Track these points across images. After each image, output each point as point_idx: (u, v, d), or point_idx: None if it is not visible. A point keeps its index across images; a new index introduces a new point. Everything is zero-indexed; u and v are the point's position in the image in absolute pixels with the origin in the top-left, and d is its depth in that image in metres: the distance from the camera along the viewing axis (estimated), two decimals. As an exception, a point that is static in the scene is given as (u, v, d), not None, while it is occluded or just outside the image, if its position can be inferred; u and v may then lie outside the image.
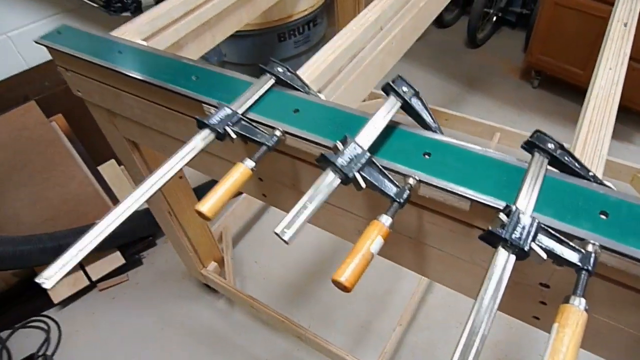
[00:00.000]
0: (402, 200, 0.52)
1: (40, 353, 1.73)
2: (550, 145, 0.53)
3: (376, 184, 0.52)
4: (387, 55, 1.10)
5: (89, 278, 1.87)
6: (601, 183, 0.52)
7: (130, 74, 0.80)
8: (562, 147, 0.54)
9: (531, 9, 2.88)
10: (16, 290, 1.91)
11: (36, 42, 0.96)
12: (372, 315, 1.73)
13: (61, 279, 0.50)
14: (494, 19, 3.04)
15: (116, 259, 1.92)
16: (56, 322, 1.84)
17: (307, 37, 1.93)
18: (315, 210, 0.49)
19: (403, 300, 1.71)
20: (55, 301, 1.81)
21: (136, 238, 1.97)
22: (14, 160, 1.78)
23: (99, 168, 2.13)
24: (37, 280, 0.50)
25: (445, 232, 0.61)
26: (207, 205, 0.55)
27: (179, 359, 1.68)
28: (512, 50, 3.00)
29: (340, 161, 0.51)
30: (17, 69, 1.80)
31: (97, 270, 1.89)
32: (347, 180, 0.52)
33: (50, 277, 0.50)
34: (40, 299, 1.87)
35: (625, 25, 0.91)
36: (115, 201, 2.15)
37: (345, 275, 0.46)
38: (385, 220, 0.50)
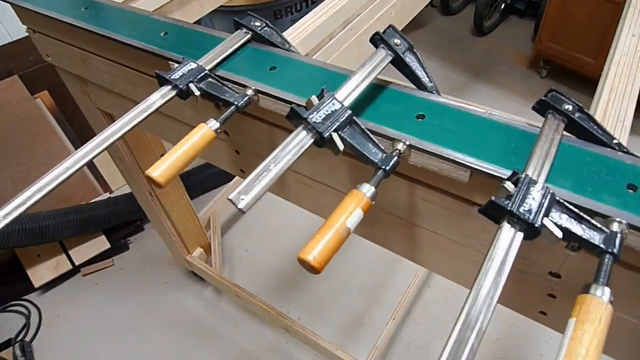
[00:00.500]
0: (387, 168, 0.44)
1: (18, 338, 1.66)
2: (568, 107, 0.44)
3: (357, 147, 0.44)
4: (385, 25, 1.01)
5: (72, 262, 1.80)
6: (628, 152, 0.43)
7: (93, 30, 0.71)
8: (581, 109, 0.45)
9: (541, -4, 2.76)
10: (-3, 272, 1.84)
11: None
12: (365, 309, 1.65)
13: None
14: (502, 6, 2.93)
15: (101, 243, 1.85)
16: (37, 307, 1.77)
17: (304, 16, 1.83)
18: (278, 175, 0.40)
19: (398, 293, 1.62)
20: (36, 285, 1.74)
21: (123, 222, 1.89)
22: (-6, 137, 1.70)
23: (87, 149, 2.05)
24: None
25: (440, 210, 0.53)
26: (159, 170, 0.47)
27: (162, 348, 1.60)
28: (520, 39, 2.89)
29: (314, 117, 0.43)
30: (0, 42, 1.71)
31: (81, 254, 1.81)
32: (321, 140, 0.43)
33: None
34: (22, 283, 1.79)
35: (633, 36, 0.82)
36: (104, 183, 2.08)
37: (313, 253, 0.38)
38: (367, 190, 0.42)
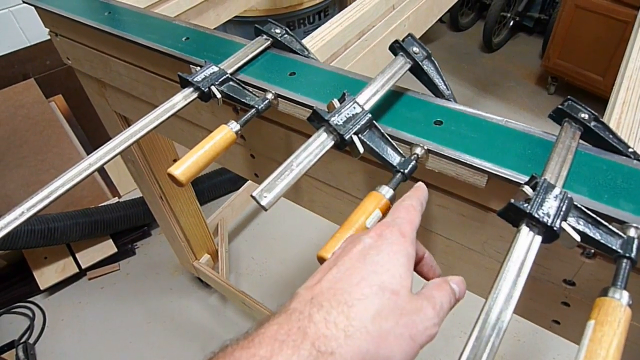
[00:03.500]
0: (406, 171, 0.44)
1: (22, 340, 1.66)
2: (584, 115, 0.45)
3: (377, 150, 0.45)
4: (399, 37, 1.03)
5: (78, 265, 1.81)
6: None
7: (116, 33, 0.73)
8: (597, 118, 0.46)
9: (549, 14, 2.79)
10: (4, 274, 1.85)
11: (24, 2, 0.90)
12: (370, 320, 1.64)
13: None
14: (511, 23, 2.96)
15: (108, 247, 1.86)
16: (41, 309, 1.77)
17: (317, 28, 1.86)
18: (300, 174, 0.41)
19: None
20: (42, 287, 1.74)
21: (130, 226, 1.90)
22: (9, 139, 1.73)
23: (97, 153, 2.07)
24: (-28, 239, 0.43)
25: (455, 216, 0.53)
26: (181, 168, 0.48)
27: (166, 355, 1.60)
28: (528, 56, 2.91)
29: (336, 120, 0.44)
30: (18, 45, 1.75)
31: (88, 257, 1.82)
32: (342, 142, 0.44)
33: (-13, 237, 0.42)
34: (28, 285, 1.80)
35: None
36: (113, 187, 2.09)
37: (330, 252, 0.38)
38: (386, 192, 0.42)
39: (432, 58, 0.53)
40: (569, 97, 0.46)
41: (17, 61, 1.78)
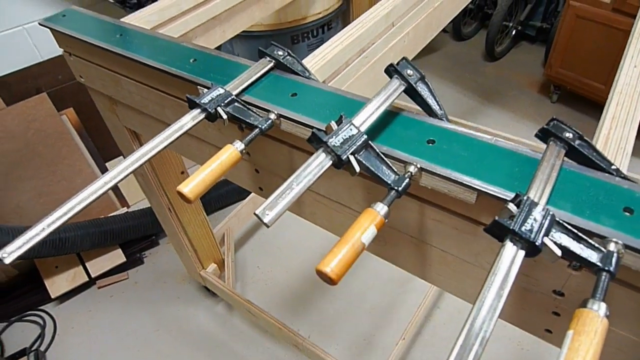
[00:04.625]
0: (400, 189, 0.47)
1: (33, 348, 1.69)
2: (568, 135, 0.48)
3: (372, 169, 0.48)
4: (399, 54, 1.06)
5: (88, 274, 1.84)
6: (625, 177, 0.46)
7: (128, 56, 0.77)
8: (581, 137, 0.48)
9: (551, 23, 2.82)
10: (15, 283, 1.89)
11: (40, 24, 0.94)
12: (375, 328, 1.66)
13: (18, 256, 0.47)
14: (514, 32, 2.99)
15: (117, 257, 1.89)
16: (52, 318, 1.81)
17: (321, 41, 1.90)
18: (300, 193, 0.44)
19: (408, 314, 1.63)
20: (53, 296, 1.78)
21: (139, 236, 1.94)
22: (22, 151, 1.78)
23: (108, 164, 2.12)
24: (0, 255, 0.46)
25: (449, 230, 0.56)
26: (189, 186, 0.51)
27: (174, 362, 1.63)
28: (531, 65, 2.93)
29: (333, 141, 0.47)
30: (32, 61, 1.81)
31: (97, 266, 1.86)
32: (339, 162, 0.47)
33: (11, 252, 0.46)
34: (39, 294, 1.84)
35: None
36: (122, 198, 2.14)
37: (331, 265, 0.41)
38: (381, 208, 0.45)
39: (426, 80, 0.56)
40: (553, 117, 0.49)
41: (31, 76, 1.84)
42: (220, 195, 2.01)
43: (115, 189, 2.11)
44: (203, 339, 1.68)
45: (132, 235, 1.91)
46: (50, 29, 0.94)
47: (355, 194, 0.63)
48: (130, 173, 0.56)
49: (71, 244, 1.70)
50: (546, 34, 2.90)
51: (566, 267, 0.49)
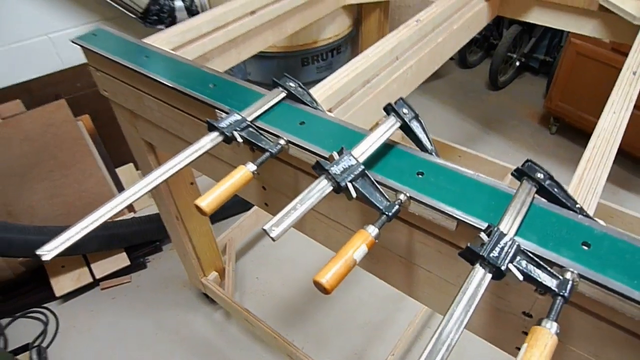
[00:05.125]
0: (390, 214, 0.54)
1: (35, 344, 1.75)
2: (540, 175, 0.55)
3: (367, 195, 0.55)
4: (401, 85, 1.14)
5: (92, 275, 1.91)
6: (587, 215, 0.53)
7: (153, 77, 0.85)
8: (551, 177, 0.55)
9: (554, 57, 2.91)
10: (22, 280, 1.95)
11: (72, 42, 1.02)
12: (366, 344, 1.71)
13: (57, 254, 0.53)
14: (517, 63, 3.08)
15: (121, 260, 1.96)
16: (55, 315, 1.87)
17: (329, 64, 1.99)
18: (303, 213, 0.51)
19: (399, 331, 1.69)
20: (58, 294, 1.84)
21: (144, 241, 2.01)
22: (38, 153, 1.86)
23: (117, 170, 2.20)
24: (37, 251, 0.53)
25: (434, 252, 0.63)
26: (206, 201, 0.58)
27: (170, 365, 1.68)
28: (532, 96, 3.02)
29: (334, 170, 0.54)
30: (53, 68, 1.90)
31: (102, 268, 1.92)
32: (338, 188, 0.54)
33: (50, 251, 0.53)
34: (43, 291, 1.90)
35: (634, 73, 0.93)
36: (129, 205, 2.20)
37: (326, 277, 0.48)
38: (372, 230, 0.52)
39: (419, 118, 0.63)
40: (528, 159, 0.56)
41: (51, 83, 1.93)
42: (225, 207, 2.08)
43: (123, 194, 2.18)
44: (200, 344, 1.73)
45: (137, 240, 1.97)
46: (82, 47, 1.02)
47: (352, 215, 0.70)
48: (152, 189, 0.63)
49: (80, 245, 1.76)
50: (549, 67, 2.99)
51: (533, 292, 0.55)
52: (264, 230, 0.49)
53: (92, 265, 1.92)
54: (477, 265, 0.46)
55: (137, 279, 2.00)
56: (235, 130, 0.67)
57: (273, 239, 0.49)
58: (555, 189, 0.55)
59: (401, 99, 0.63)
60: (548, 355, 0.41)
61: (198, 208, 0.58)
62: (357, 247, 0.50)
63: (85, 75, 2.01)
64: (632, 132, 2.26)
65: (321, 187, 0.54)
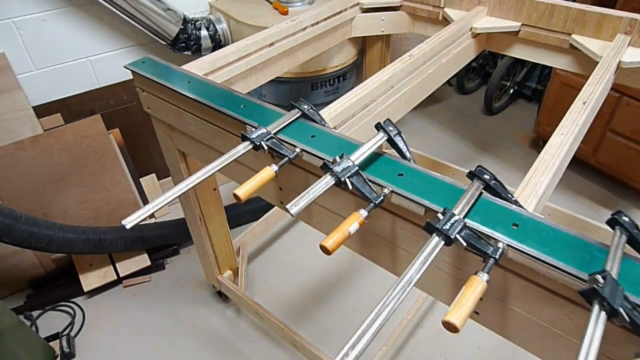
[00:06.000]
0: (377, 202, 0.75)
1: (64, 333, 1.94)
2: (487, 177, 0.75)
3: (360, 188, 0.75)
4: (395, 109, 1.36)
5: (117, 274, 2.11)
6: (520, 206, 0.73)
7: (196, 99, 1.07)
8: (495, 178, 0.76)
9: (545, 85, 3.13)
10: (52, 276, 2.16)
11: (125, 67, 1.25)
12: (364, 340, 1.88)
13: (138, 221, 0.74)
14: (511, 91, 3.31)
15: (143, 261, 2.16)
16: (82, 309, 2.06)
17: (336, 89, 2.22)
18: (313, 199, 0.72)
19: (394, 329, 1.86)
20: (86, 289, 2.04)
21: (163, 244, 2.21)
22: (74, 162, 2.08)
23: (141, 180, 2.42)
24: (122, 222, 0.74)
25: (410, 235, 0.83)
26: (242, 190, 0.79)
27: (186, 355, 1.86)
28: (525, 121, 3.24)
29: (336, 169, 0.75)
30: (90, 87, 2.14)
31: (126, 267, 2.12)
32: (339, 182, 0.75)
33: (132, 221, 0.73)
34: (71, 287, 2.10)
35: (584, 103, 1.14)
36: (150, 210, 2.42)
37: (329, 242, 0.68)
38: (363, 213, 0.73)
39: (401, 134, 0.84)
40: (479, 165, 0.77)
41: (88, 99, 2.17)
42: (238, 214, 2.29)
43: (145, 201, 2.39)
44: (213, 337, 1.91)
45: (158, 242, 2.17)
46: (132, 71, 1.25)
47: (349, 208, 0.90)
48: (196, 185, 0.84)
49: (108, 245, 1.97)
50: (540, 94, 3.21)
51: (482, 262, 0.75)
52: (286, 208, 0.70)
53: (117, 265, 2.13)
54: (434, 235, 0.66)
55: (156, 278, 2.19)
56: (263, 140, 0.88)
57: (292, 215, 0.69)
58: (498, 187, 0.75)
59: (388, 119, 0.84)
60: (478, 295, 0.61)
61: (236, 196, 0.79)
62: (352, 223, 0.71)
63: (117, 94, 2.26)
64: (612, 156, 2.46)
65: (326, 181, 0.74)
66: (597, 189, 2.58)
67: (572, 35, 1.59)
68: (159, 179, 2.53)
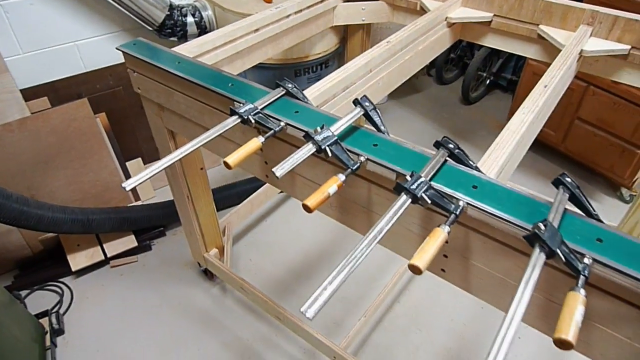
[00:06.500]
0: (354, 168, 0.83)
1: (53, 310, 1.99)
2: (451, 146, 0.85)
3: (338, 155, 0.84)
4: (374, 92, 1.44)
5: (104, 254, 2.16)
6: (479, 170, 0.83)
7: (186, 78, 1.13)
8: (459, 148, 0.85)
9: (519, 76, 3.26)
10: (40, 257, 2.20)
11: (117, 49, 1.31)
12: (344, 315, 1.98)
13: (137, 184, 0.81)
14: (487, 82, 3.43)
15: (130, 241, 2.21)
16: (69, 288, 2.11)
17: (319, 76, 2.29)
18: (297, 162, 0.80)
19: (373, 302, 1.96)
20: (74, 269, 2.09)
21: (150, 226, 2.26)
22: (61, 145, 2.11)
23: (127, 163, 2.47)
24: (123, 184, 0.81)
25: (384, 200, 0.92)
26: (231, 158, 0.87)
27: (174, 332, 1.93)
28: (500, 110, 3.37)
29: (317, 137, 0.83)
30: (77, 71, 2.17)
31: (113, 248, 2.18)
32: (319, 150, 0.83)
33: (131, 184, 0.80)
34: (59, 268, 2.14)
35: (545, 87, 1.24)
36: (136, 194, 2.47)
37: (311, 201, 0.76)
38: (341, 177, 0.81)
39: (377, 109, 0.93)
40: (444, 136, 0.86)
41: (75, 83, 2.20)
42: (224, 197, 2.36)
43: (132, 185, 2.44)
44: (199, 314, 1.99)
45: (144, 224, 2.23)
46: (123, 52, 1.30)
47: (329, 178, 0.98)
48: (185, 155, 0.91)
49: (96, 225, 2.02)
50: (515, 85, 3.34)
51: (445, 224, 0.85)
52: (272, 171, 0.78)
53: (104, 245, 2.18)
54: (402, 194, 0.75)
55: (143, 259, 2.25)
56: (250, 115, 0.95)
57: (277, 177, 0.77)
58: (462, 155, 0.85)
59: (365, 96, 0.92)
60: (440, 244, 0.70)
61: (225, 163, 0.86)
62: (331, 185, 0.79)
63: (104, 79, 2.30)
64: (580, 143, 2.60)
65: (308, 148, 0.83)
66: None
67: (540, 26, 1.70)
68: (144, 163, 2.58)
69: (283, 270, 2.18)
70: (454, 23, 1.79)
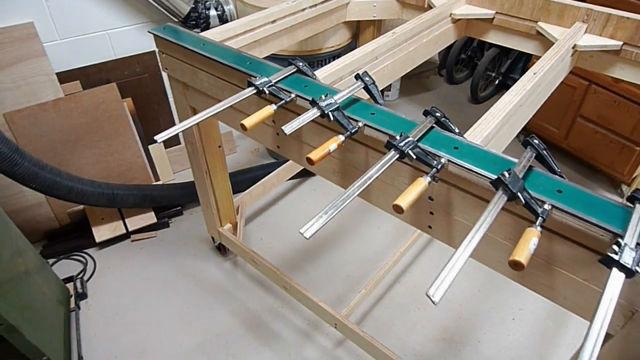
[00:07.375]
0: (352, 132, 0.97)
1: (78, 276, 2.15)
2: (438, 114, 0.97)
3: (339, 119, 0.97)
4: (379, 78, 1.57)
5: (126, 228, 2.32)
6: (462, 135, 0.96)
7: (211, 57, 1.28)
8: (444, 116, 0.98)
9: (527, 78, 3.36)
10: (66, 229, 2.37)
11: (149, 32, 1.46)
12: (347, 291, 2.11)
13: (168, 136, 0.95)
14: (496, 82, 3.53)
15: (150, 218, 2.37)
16: (93, 259, 2.27)
17: (331, 68, 2.42)
18: (303, 123, 0.93)
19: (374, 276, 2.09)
20: (98, 240, 2.25)
21: (169, 204, 2.42)
22: (90, 125, 2.29)
23: (150, 147, 2.63)
24: (155, 137, 0.95)
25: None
26: (248, 121, 1.00)
27: (187, 301, 2.07)
28: (508, 110, 3.46)
29: (322, 104, 0.97)
30: (108, 58, 2.35)
31: (134, 223, 2.34)
32: (323, 114, 0.96)
33: (163, 137, 0.95)
34: (84, 239, 2.31)
35: (535, 74, 1.36)
36: (156, 175, 2.63)
37: (314, 155, 0.90)
38: (340, 137, 0.95)
39: (376, 85, 1.06)
40: (433, 106, 0.99)
41: (104, 69, 2.38)
42: (239, 181, 2.51)
43: (152, 167, 2.61)
44: (212, 286, 2.13)
45: (164, 202, 2.39)
46: (155, 34, 1.46)
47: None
48: (220, 112, 1.05)
49: (120, 200, 2.18)
50: (523, 86, 3.43)
51: (432, 181, 0.97)
52: (282, 129, 0.91)
53: (126, 220, 2.34)
54: (391, 150, 0.88)
55: (161, 235, 2.41)
56: (265, 87, 1.09)
57: (285, 133, 0.91)
58: (447, 122, 0.97)
59: (365, 71, 1.06)
60: (420, 191, 0.83)
61: (242, 125, 1.00)
62: (332, 143, 0.93)
63: (131, 66, 2.47)
64: (581, 140, 2.69)
65: (313, 112, 0.96)
66: (568, 172, 2.81)
67: (539, 23, 1.81)
68: (165, 148, 2.74)
69: (292, 250, 2.31)
70: (458, 19, 1.91)
